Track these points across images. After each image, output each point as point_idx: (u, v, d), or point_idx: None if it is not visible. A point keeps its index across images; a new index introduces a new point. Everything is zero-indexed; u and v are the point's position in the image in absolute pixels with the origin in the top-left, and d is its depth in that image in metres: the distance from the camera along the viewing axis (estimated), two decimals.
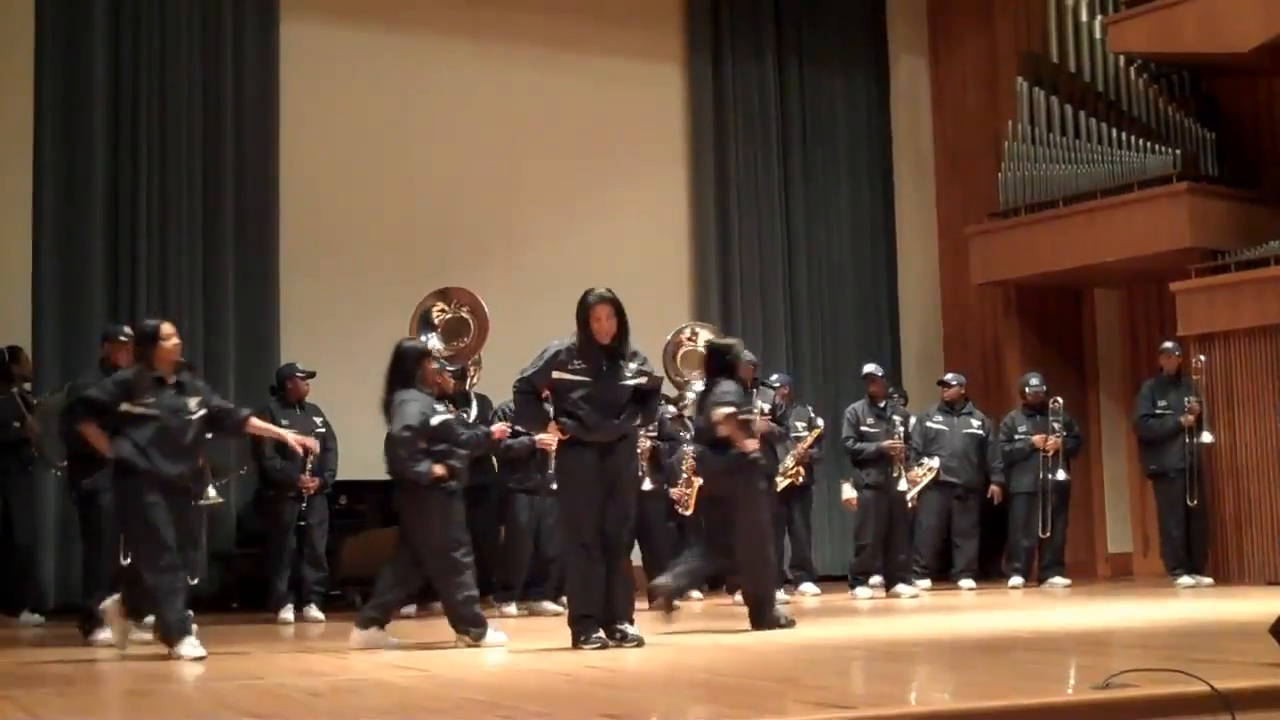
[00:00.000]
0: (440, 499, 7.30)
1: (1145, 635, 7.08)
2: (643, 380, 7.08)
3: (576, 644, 6.78)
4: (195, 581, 8.78)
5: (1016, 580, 11.81)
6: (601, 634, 6.78)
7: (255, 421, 7.67)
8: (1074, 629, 7.41)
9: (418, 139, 12.56)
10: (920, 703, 4.59)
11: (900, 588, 10.98)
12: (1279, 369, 11.30)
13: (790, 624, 7.82)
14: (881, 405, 11.26)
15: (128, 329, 8.59)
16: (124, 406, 6.97)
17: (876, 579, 11.59)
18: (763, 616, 7.79)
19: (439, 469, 7.25)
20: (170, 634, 6.82)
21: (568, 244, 12.87)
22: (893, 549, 11.12)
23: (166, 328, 7.09)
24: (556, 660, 6.33)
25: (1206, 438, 11.15)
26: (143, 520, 6.87)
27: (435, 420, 7.36)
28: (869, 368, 11.54)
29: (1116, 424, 13.46)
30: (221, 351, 11.36)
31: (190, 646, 6.76)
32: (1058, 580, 11.69)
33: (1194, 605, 9.24)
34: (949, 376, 12.35)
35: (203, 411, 7.14)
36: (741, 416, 8.02)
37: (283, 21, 12.00)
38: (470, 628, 7.17)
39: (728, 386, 8.09)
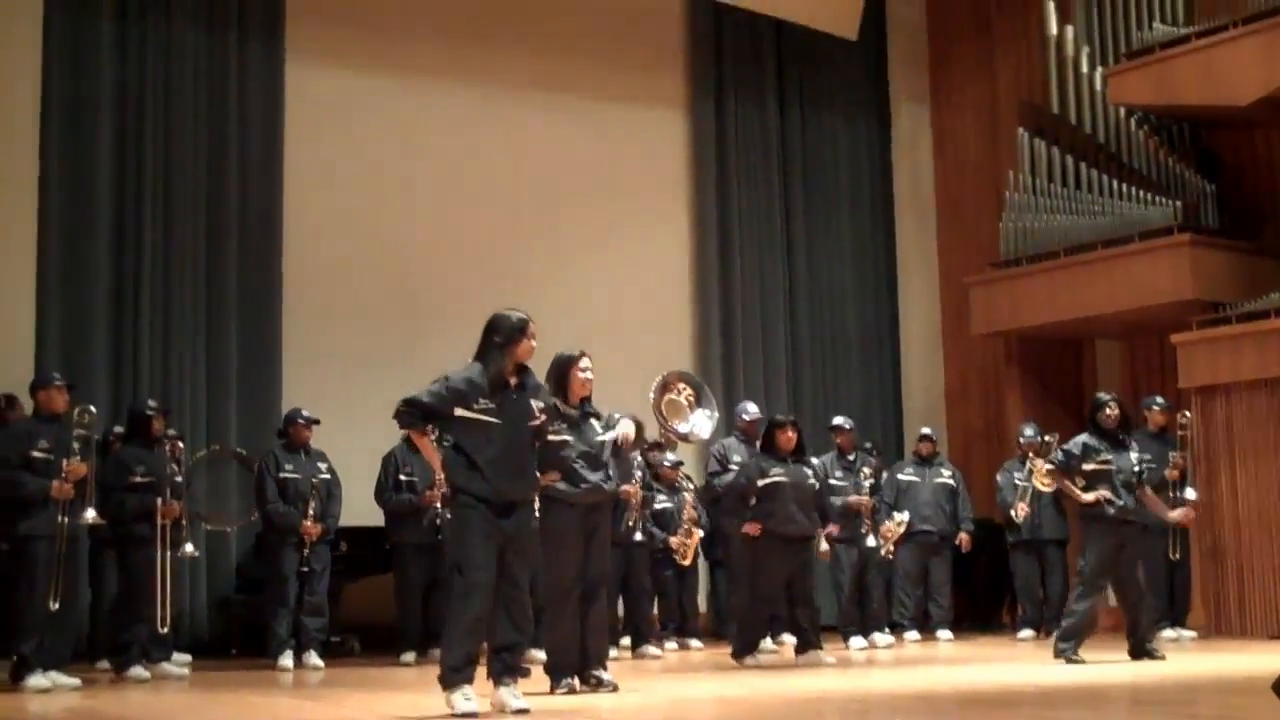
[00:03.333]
0: None
1: (1148, 690, 7.04)
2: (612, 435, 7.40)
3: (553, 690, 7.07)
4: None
5: (1026, 632, 11.71)
6: (573, 680, 7.10)
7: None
8: (1075, 683, 7.37)
9: (421, 183, 12.60)
10: None
11: (876, 637, 10.93)
12: None
13: (1163, 657, 8.62)
14: (850, 458, 11.17)
15: (57, 375, 8.67)
16: (459, 412, 6.08)
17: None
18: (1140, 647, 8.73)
19: None
20: (443, 680, 5.96)
21: (571, 288, 12.88)
22: (866, 600, 11.05)
23: (533, 326, 6.28)
24: (555, 707, 6.30)
25: (1190, 494, 10.96)
26: (466, 556, 5.98)
27: None
28: (837, 420, 11.46)
29: None
30: (224, 397, 11.36)
31: (461, 700, 5.88)
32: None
33: (1195, 660, 9.19)
34: (925, 431, 12.34)
35: (543, 419, 6.30)
36: (1091, 467, 8.69)
37: (288, 65, 12.06)
38: None
39: (1074, 441, 8.88)
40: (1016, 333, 13.50)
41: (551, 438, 6.95)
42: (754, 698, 6.90)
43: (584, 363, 7.40)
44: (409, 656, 9.98)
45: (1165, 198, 12.29)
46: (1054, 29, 13.47)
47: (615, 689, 7.14)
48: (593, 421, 7.41)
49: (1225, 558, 11.46)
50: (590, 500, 7.28)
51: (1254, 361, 11.34)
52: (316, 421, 10.16)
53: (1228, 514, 11.46)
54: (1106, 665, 8.46)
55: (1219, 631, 11.31)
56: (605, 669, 7.31)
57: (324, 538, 9.96)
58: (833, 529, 10.17)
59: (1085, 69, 13.22)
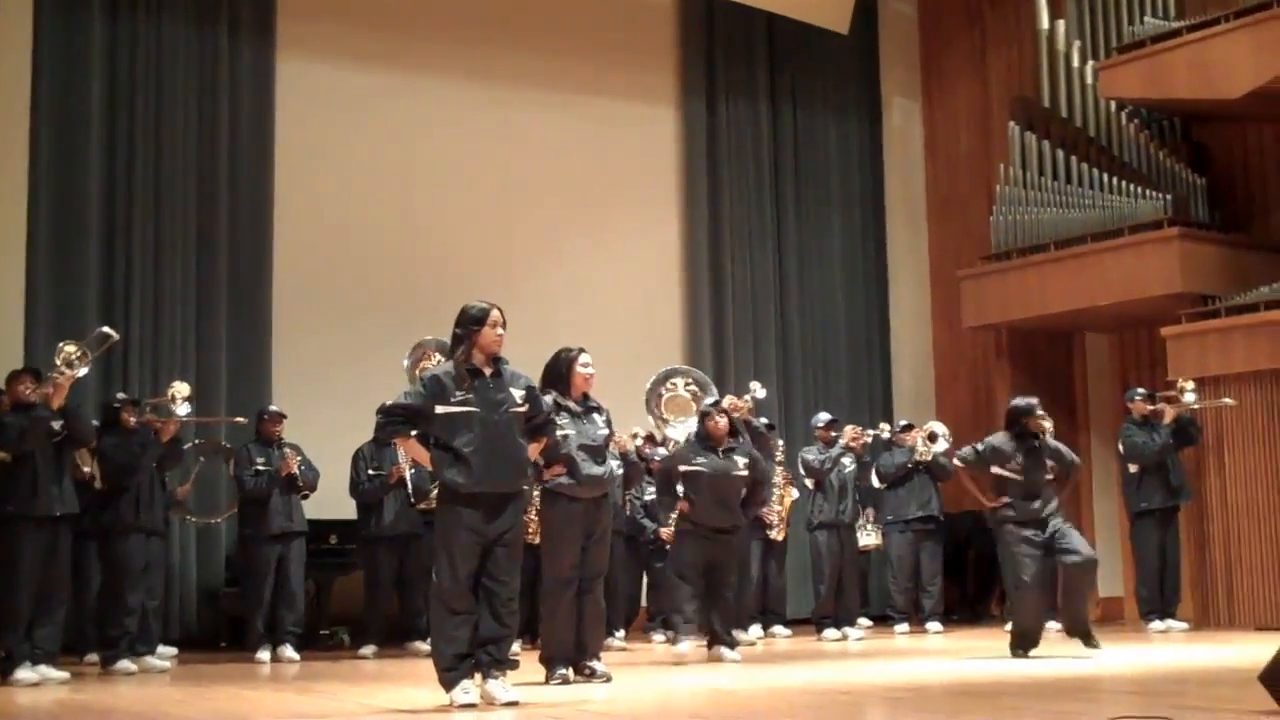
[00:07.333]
0: None
1: (1135, 681, 7.06)
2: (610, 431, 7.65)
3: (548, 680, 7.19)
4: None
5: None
6: (567, 671, 7.21)
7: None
8: (1062, 674, 7.38)
9: (413, 179, 12.61)
10: None
11: (847, 630, 10.96)
12: (1270, 413, 11.32)
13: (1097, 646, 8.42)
14: (830, 450, 11.23)
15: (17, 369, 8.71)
16: (440, 409, 6.03)
17: (866, 622, 11.63)
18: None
19: None
20: (442, 683, 5.99)
21: (563, 284, 12.92)
22: (844, 590, 11.07)
23: (495, 314, 6.15)
24: (547, 698, 6.31)
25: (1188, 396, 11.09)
26: (445, 551, 5.97)
27: None
28: (823, 416, 11.59)
29: (1107, 467, 13.45)
30: (214, 393, 11.35)
31: (461, 694, 5.90)
32: (1052, 624, 11.57)
33: (1184, 650, 9.22)
34: (904, 422, 12.38)
35: (526, 407, 6.20)
36: (1003, 472, 8.48)
37: (279, 61, 12.07)
38: None
39: (988, 441, 8.66)
40: (1007, 326, 13.53)
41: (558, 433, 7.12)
42: (744, 689, 6.91)
43: (584, 358, 7.56)
44: (368, 650, 10.00)
45: (1155, 191, 12.31)
46: (1045, 23, 13.49)
47: (609, 679, 7.22)
48: (594, 416, 7.51)
49: (1214, 549, 11.50)
50: (591, 494, 7.35)
51: (1243, 354, 11.38)
52: (283, 416, 10.24)
53: (1216, 506, 11.50)
54: (1087, 659, 8.46)
55: (1207, 623, 11.33)
56: (600, 660, 7.40)
57: (299, 493, 10.09)
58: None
59: (1076, 63, 13.24)
